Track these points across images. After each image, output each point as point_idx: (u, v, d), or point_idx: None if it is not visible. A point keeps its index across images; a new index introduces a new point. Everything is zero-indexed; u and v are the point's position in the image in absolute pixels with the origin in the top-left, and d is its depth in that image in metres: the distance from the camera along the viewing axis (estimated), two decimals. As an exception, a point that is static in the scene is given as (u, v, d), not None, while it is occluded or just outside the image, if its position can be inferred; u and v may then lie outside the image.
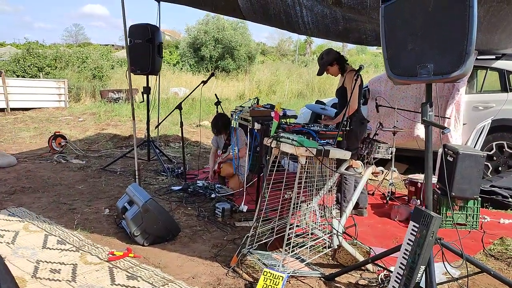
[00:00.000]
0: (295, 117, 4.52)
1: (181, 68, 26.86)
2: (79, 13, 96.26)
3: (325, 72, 4.53)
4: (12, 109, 13.05)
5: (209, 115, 12.65)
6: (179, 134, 9.81)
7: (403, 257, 2.62)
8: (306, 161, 3.01)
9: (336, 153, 3.14)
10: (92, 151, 7.75)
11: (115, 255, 3.37)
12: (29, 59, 18.69)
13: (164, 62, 20.35)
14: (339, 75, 4.56)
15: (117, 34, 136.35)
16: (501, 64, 5.84)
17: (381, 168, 3.58)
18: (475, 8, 2.23)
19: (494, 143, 5.76)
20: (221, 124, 5.47)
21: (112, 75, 20.82)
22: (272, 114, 3.33)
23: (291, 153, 3.05)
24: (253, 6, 5.54)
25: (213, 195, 5.05)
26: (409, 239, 2.62)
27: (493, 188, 4.94)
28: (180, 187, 5.36)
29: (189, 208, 4.69)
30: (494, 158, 5.74)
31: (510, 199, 4.78)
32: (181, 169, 6.19)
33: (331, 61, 4.45)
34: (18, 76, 17.57)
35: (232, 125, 4.98)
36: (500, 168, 5.78)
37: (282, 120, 4.09)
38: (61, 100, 14.92)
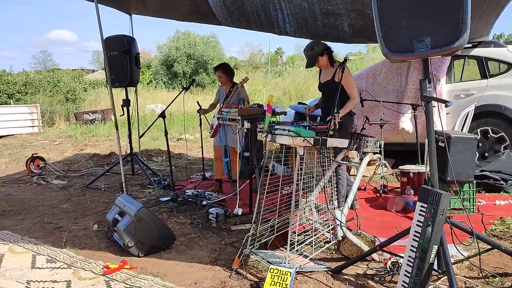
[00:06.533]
0: (284, 113, 4.43)
1: (155, 86, 26.59)
2: (45, 40, 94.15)
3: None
4: (-17, 138, 12.63)
5: (189, 129, 12.49)
6: (161, 148, 9.69)
7: (413, 239, 2.54)
8: (304, 152, 2.93)
9: (333, 141, 3.08)
10: (73, 171, 7.48)
11: (110, 268, 3.19)
12: (-3, 86, 18.20)
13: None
14: (327, 67, 4.31)
15: (87, 59, 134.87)
16: (479, 51, 5.91)
17: (378, 155, 3.52)
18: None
19: (478, 130, 5.79)
20: (223, 70, 5.36)
21: (85, 97, 20.45)
22: (265, 107, 3.23)
23: (287, 145, 2.96)
24: (228, 9, 5.46)
25: (204, 202, 4.91)
26: (418, 221, 2.54)
27: (483, 173, 4.95)
28: (169, 198, 5.19)
29: (181, 217, 4.53)
30: (480, 144, 5.77)
31: (501, 181, 4.79)
32: (168, 180, 6.01)
33: (321, 52, 4.20)
34: (-13, 104, 17.04)
35: (222, 122, 4.80)
36: (486, 154, 5.82)
37: (271, 119, 3.99)
38: (34, 126, 14.54)
